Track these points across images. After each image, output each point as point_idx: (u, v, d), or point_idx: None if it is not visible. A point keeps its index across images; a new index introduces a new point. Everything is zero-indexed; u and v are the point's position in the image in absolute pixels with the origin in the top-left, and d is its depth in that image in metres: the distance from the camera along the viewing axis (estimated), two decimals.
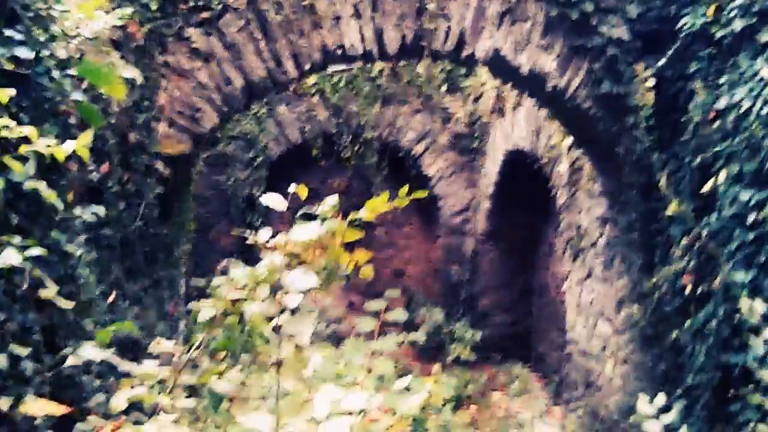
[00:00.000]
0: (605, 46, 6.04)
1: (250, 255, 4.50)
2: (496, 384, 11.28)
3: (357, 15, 6.04)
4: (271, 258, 3.01)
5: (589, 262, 7.80)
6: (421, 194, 4.05)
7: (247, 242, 2.88)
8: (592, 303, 7.67)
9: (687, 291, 5.25)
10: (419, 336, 10.80)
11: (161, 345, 2.92)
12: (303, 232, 2.81)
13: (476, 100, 11.91)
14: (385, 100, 11.87)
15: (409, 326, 12.54)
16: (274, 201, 2.94)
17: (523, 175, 10.30)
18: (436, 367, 9.87)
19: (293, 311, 2.95)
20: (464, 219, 12.36)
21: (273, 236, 3.32)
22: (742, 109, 4.82)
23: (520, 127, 10.07)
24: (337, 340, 12.30)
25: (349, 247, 3.47)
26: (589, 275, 7.80)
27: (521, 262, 11.93)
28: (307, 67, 6.07)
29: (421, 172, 12.23)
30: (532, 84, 6.42)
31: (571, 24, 6.09)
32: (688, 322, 5.21)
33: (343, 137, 11.79)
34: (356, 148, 11.97)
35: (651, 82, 5.77)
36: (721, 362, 4.80)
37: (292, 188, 3.90)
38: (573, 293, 8.26)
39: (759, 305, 3.65)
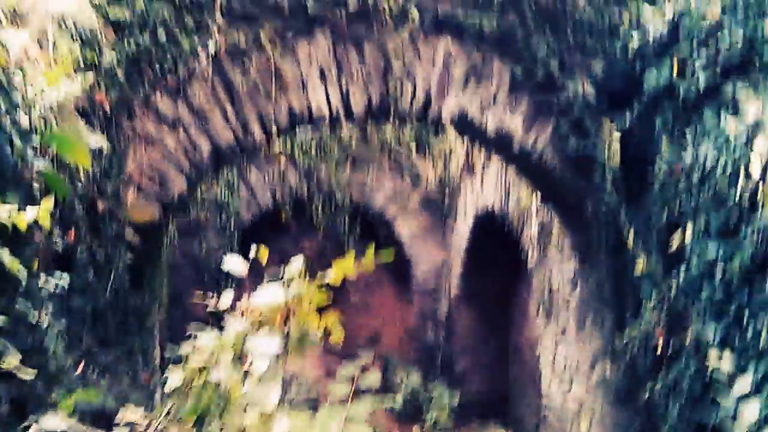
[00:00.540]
0: (571, 104, 6.13)
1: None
2: None
3: (323, 77, 6.09)
4: (234, 323, 2.95)
5: (562, 321, 7.76)
6: (388, 256, 4.01)
7: (209, 309, 2.82)
8: (566, 363, 7.61)
9: (658, 348, 5.23)
10: (395, 400, 10.69)
11: (128, 414, 2.83)
12: (264, 296, 2.76)
13: (446, 161, 12.01)
14: (355, 162, 11.93)
15: (386, 390, 12.38)
16: (234, 265, 2.90)
17: (495, 235, 10.31)
18: (415, 429, 9.74)
19: (260, 376, 2.87)
20: (437, 280, 12.33)
21: (235, 301, 3.25)
22: (708, 164, 4.88)
23: (489, 187, 10.13)
24: (314, 406, 12.06)
25: (322, 310, 3.41)
26: (562, 334, 7.75)
27: (497, 323, 11.87)
28: (273, 130, 6.08)
29: (393, 234, 12.22)
30: (498, 143, 6.47)
31: (537, 83, 6.18)
32: (660, 380, 5.17)
33: (315, 200, 11.78)
34: (327, 211, 11.96)
35: (617, 139, 5.84)
36: (693, 420, 4.75)
37: (253, 251, 3.83)
38: (547, 354, 8.19)
39: (727, 359, 3.63)
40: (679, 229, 5.07)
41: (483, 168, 10.48)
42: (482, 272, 11.46)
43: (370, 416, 10.56)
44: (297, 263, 3.99)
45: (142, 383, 5.86)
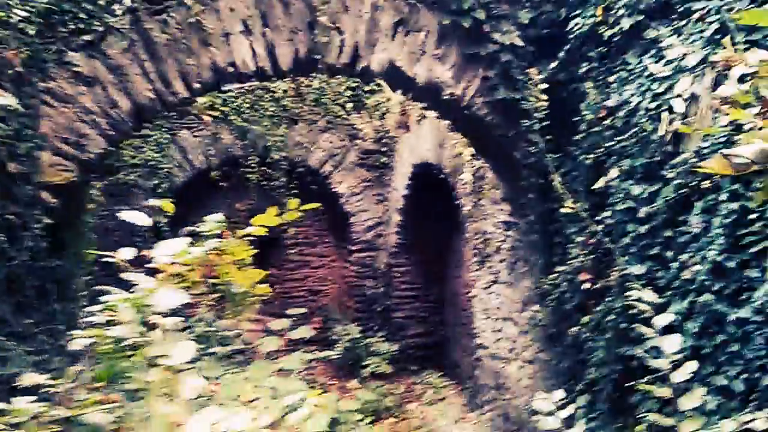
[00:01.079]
0: (499, 53, 5.98)
1: None
2: (413, 395, 11.13)
3: (247, 31, 5.82)
4: (144, 280, 2.75)
5: (494, 267, 7.74)
6: (314, 205, 3.85)
7: (111, 261, 2.62)
8: (498, 307, 7.60)
9: (585, 287, 5.20)
10: (329, 353, 10.63)
11: (28, 378, 2.63)
12: (167, 249, 2.57)
13: (382, 116, 11.82)
14: (291, 120, 11.65)
15: (327, 344, 12.31)
16: (135, 217, 2.69)
17: (431, 187, 10.24)
18: (353, 382, 9.68)
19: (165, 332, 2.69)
20: (376, 234, 12.22)
21: (138, 255, 3.04)
22: (631, 105, 4.81)
23: (425, 140, 10.01)
24: (248, 362, 11.93)
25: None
26: (495, 280, 7.73)
27: (434, 273, 11.86)
28: (197, 86, 5.79)
29: (331, 191, 12.03)
30: (429, 94, 6.31)
31: (465, 32, 6.02)
32: (586, 318, 5.15)
33: (250, 160, 11.48)
34: (263, 171, 11.68)
35: (544, 86, 5.74)
36: (619, 355, 4.74)
37: (153, 203, 3.59)
38: (481, 299, 8.18)
39: (648, 294, 3.59)
40: (605, 172, 5.02)
41: (418, 122, 10.34)
42: (420, 224, 11.39)
43: (309, 370, 10.42)
44: (216, 216, 3.80)
45: (65, 348, 5.61)
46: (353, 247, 12.24)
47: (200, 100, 11.07)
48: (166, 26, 5.64)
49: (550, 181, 5.70)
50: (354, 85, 11.82)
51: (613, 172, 4.89)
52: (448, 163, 9.08)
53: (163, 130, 10.85)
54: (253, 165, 11.50)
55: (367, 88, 11.89)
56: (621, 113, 4.94)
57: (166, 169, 10.91)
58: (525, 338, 6.83)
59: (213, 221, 3.89)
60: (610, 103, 5.05)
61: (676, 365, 3.11)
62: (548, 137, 5.75)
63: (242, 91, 11.35)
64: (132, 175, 10.72)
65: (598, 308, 4.97)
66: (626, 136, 4.84)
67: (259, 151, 11.51)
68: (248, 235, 3.73)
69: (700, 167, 2.63)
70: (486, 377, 8.12)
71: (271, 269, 12.82)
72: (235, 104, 11.34)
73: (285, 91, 11.55)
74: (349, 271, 12.48)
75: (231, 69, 5.87)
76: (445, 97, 6.17)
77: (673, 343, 3.15)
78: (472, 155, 8.25)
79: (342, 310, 12.67)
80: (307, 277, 12.90)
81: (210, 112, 11.20)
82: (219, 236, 3.89)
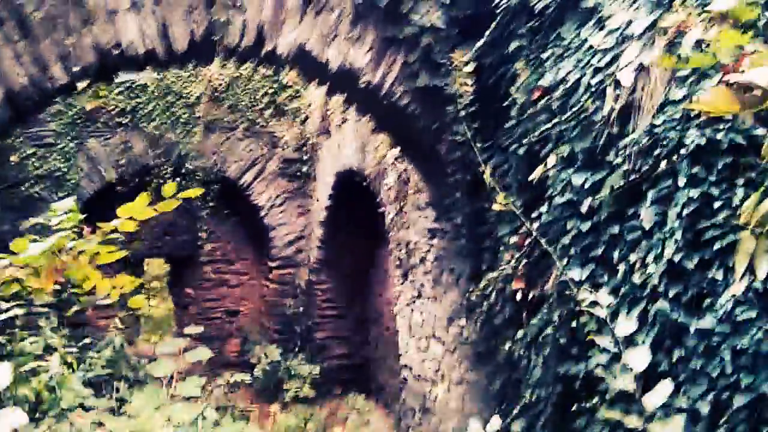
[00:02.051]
0: (419, 36, 5.17)
1: None
2: (337, 419, 10.20)
3: (135, 7, 4.88)
4: None
5: (418, 280, 6.90)
6: (193, 192, 2.97)
7: None
8: (423, 323, 6.75)
9: (518, 297, 4.39)
10: (244, 376, 9.63)
11: None
12: None
13: (303, 122, 10.93)
14: (207, 127, 10.64)
15: (246, 366, 11.25)
16: None
17: (355, 196, 9.39)
18: (274, 407, 8.60)
19: None
20: (297, 249, 11.26)
21: None
22: (569, 84, 4.05)
23: (347, 145, 9.17)
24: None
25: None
26: (419, 294, 6.88)
27: (357, 290, 10.96)
28: (77, 70, 4.81)
29: (251, 202, 11.05)
30: (344, 82, 5.46)
31: (382, 13, 5.20)
32: (520, 332, 4.33)
33: (164, 170, 10.40)
34: (179, 181, 10.61)
35: (469, 69, 4.95)
36: (560, 373, 3.93)
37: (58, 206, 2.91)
38: (404, 315, 7.32)
39: (604, 296, 2.79)
40: (541, 161, 4.23)
41: (340, 126, 9.49)
42: (343, 237, 10.51)
43: (227, 395, 9.31)
44: (66, 203, 2.91)
45: None
46: (273, 264, 11.25)
47: (110, 104, 10.02)
48: (41, 2, 4.66)
49: (479, 176, 4.90)
50: (272, 90, 10.89)
51: (551, 160, 4.12)
52: (372, 169, 8.25)
53: (69, 138, 9.72)
54: (167, 175, 10.42)
55: (286, 94, 10.98)
56: (557, 93, 4.18)
57: (73, 181, 9.74)
58: (452, 357, 5.99)
59: (63, 210, 2.98)
60: (544, 82, 4.28)
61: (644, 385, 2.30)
62: (475, 126, 4.96)
63: (154, 96, 10.30)
64: (36, 187, 9.53)
65: (533, 320, 4.15)
66: (564, 118, 4.08)
67: (173, 161, 10.44)
68: (114, 230, 2.83)
69: (693, 105, 1.86)
70: (412, 400, 7.23)
71: (187, 289, 11.71)
72: (146, 110, 10.27)
73: (199, 97, 10.54)
74: (269, 290, 11.48)
75: (116, 51, 4.92)
76: (361, 86, 5.34)
77: (640, 358, 2.33)
78: (397, 158, 7.43)
79: (261, 330, 11.63)
80: (225, 296, 11.78)
81: (119, 119, 10.11)
82: (78, 233, 2.96)
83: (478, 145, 4.84)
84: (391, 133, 6.23)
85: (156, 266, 13.38)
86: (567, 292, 3.78)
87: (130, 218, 2.62)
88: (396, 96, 5.34)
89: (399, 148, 6.59)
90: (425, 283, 6.65)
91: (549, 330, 3.91)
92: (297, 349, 10.97)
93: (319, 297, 10.90)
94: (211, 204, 10.97)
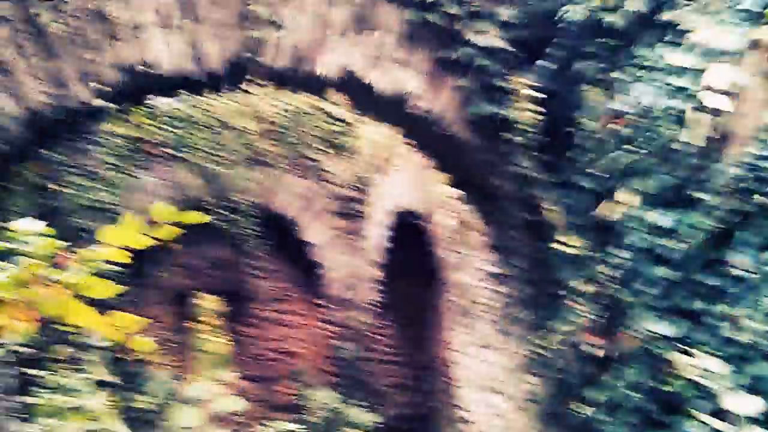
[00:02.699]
0: (475, 57, 4.72)
1: None
2: None
3: (163, 22, 4.58)
4: None
5: (479, 327, 6.37)
6: (194, 218, 2.55)
7: None
8: (486, 378, 6.20)
9: (593, 352, 3.83)
10: (293, 426, 9.19)
11: None
12: None
13: (357, 158, 10.56)
14: (258, 161, 10.38)
15: (299, 411, 10.81)
16: None
17: (410, 236, 8.93)
18: None
19: None
20: (353, 289, 10.82)
21: None
22: (646, 107, 3.53)
23: (402, 183, 8.75)
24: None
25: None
26: (480, 345, 6.35)
27: (419, 335, 10.44)
28: (101, 89, 4.52)
29: (301, 239, 10.70)
30: (391, 107, 5.03)
31: (435, 33, 4.78)
32: (597, 394, 3.77)
33: (212, 205, 10.16)
34: (229, 216, 10.35)
35: (531, 93, 4.47)
36: None
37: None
38: (465, 366, 6.78)
39: (716, 365, 2.25)
40: (613, 195, 3.70)
41: (395, 163, 9.09)
42: (402, 279, 10.03)
43: None
44: (33, 225, 2.53)
45: None
46: (327, 305, 10.83)
47: (158, 135, 9.86)
48: (59, 14, 4.39)
49: (542, 215, 4.39)
50: (326, 123, 10.58)
51: (625, 196, 3.58)
52: (428, 208, 7.79)
53: (116, 169, 9.57)
54: (217, 210, 10.18)
55: (340, 128, 10.65)
56: (632, 118, 3.65)
57: (121, 214, 9.59)
58: (519, 416, 5.42)
59: (30, 233, 2.60)
60: (616, 105, 3.77)
61: None
62: (538, 158, 4.46)
63: (199, 127, 10.10)
64: (81, 219, 9.40)
65: (613, 381, 3.59)
66: (641, 147, 3.55)
67: (222, 195, 10.20)
68: (96, 259, 2.43)
69: None
70: None
71: (241, 327, 11.39)
72: (191, 140, 10.07)
73: (253, 132, 10.31)
74: (326, 331, 11.05)
75: (143, 68, 4.61)
76: (411, 112, 4.90)
77: None
78: (453, 196, 6.95)
79: (318, 373, 11.19)
80: (281, 337, 11.41)
81: (168, 150, 9.94)
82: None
83: (541, 178, 4.33)
84: (446, 167, 5.76)
85: (209, 302, 13.14)
86: (656, 351, 3.23)
87: (125, 248, 2.21)
88: (449, 124, 4.89)
89: (455, 185, 6.12)
90: (486, 331, 6.12)
91: (633, 394, 3.34)
92: (354, 396, 10.47)
93: (378, 341, 10.41)
94: (260, 240, 10.66)
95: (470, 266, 6.53)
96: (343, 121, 10.56)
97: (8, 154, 4.57)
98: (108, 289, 2.35)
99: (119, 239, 2.25)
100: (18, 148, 4.61)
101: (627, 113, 3.67)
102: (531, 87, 4.52)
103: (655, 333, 3.27)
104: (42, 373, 5.90)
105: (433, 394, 10.26)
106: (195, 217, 2.44)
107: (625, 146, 3.66)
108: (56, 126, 4.72)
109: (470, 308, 6.54)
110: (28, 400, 4.80)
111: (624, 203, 3.53)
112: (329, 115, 10.56)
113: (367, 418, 10.06)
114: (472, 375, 6.55)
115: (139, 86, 4.76)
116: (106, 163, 9.54)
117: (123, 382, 8.84)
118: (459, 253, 6.81)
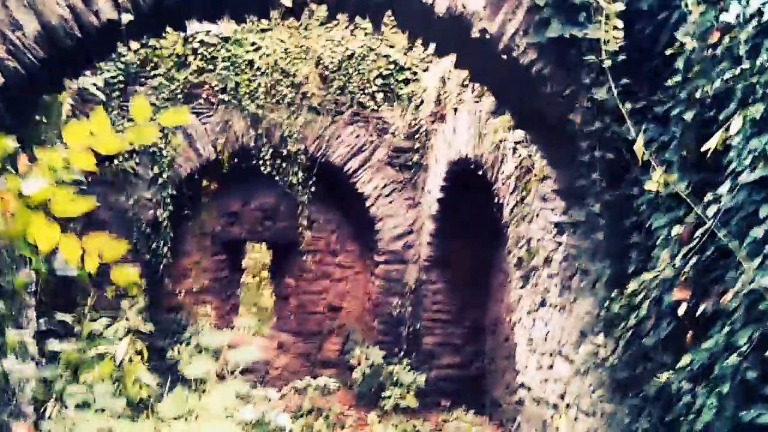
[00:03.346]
0: None
1: None
2: None
3: None
4: None
5: (542, 284, 5.83)
6: (177, 117, 2.06)
7: None
8: (547, 337, 5.68)
9: (682, 310, 3.28)
10: (326, 380, 8.85)
11: None
12: None
13: (417, 108, 10.01)
14: (312, 109, 9.92)
15: (345, 368, 10.48)
16: None
17: (471, 187, 8.40)
18: (372, 415, 7.72)
19: None
20: (406, 244, 10.35)
21: None
22: (765, 17, 2.92)
23: (462, 131, 8.19)
24: (263, 383, 10.22)
25: None
26: (543, 302, 5.81)
27: (472, 293, 9.92)
28: (130, 5, 4.07)
29: (356, 191, 10.25)
30: (453, 33, 4.46)
31: None
32: (685, 359, 3.22)
33: (264, 152, 9.77)
34: (279, 164, 9.95)
35: (619, 8, 3.86)
36: (743, 421, 2.81)
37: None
38: (524, 326, 6.26)
39: None
40: (718, 127, 3.11)
41: (455, 109, 8.52)
42: (457, 233, 9.50)
43: (325, 396, 8.46)
44: None
45: None
46: (379, 258, 10.41)
47: (213, 80, 9.47)
48: None
49: (624, 153, 3.81)
50: (387, 72, 10.04)
51: (735, 125, 2.98)
52: (488, 155, 7.23)
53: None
54: (267, 157, 9.79)
55: (401, 77, 10.10)
56: (746, 33, 3.04)
57: (168, 158, 9.28)
58: (583, 381, 4.90)
59: None
60: (727, 17, 3.15)
61: None
62: (623, 86, 3.87)
63: (259, 73, 9.68)
64: (130, 162, 9.14)
65: (705, 344, 3.03)
66: (756, 66, 2.94)
67: (274, 143, 9.80)
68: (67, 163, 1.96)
69: None
70: (529, 426, 6.17)
71: (288, 279, 11.05)
72: (249, 88, 9.67)
73: (306, 77, 9.84)
74: (375, 287, 10.64)
75: None
76: (475, 36, 4.34)
77: None
78: (517, 141, 6.39)
79: (365, 330, 10.81)
80: (327, 290, 11.02)
81: (221, 96, 9.57)
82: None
83: (627, 107, 3.75)
84: (512, 105, 5.18)
85: (258, 252, 12.85)
86: (761, 308, 2.67)
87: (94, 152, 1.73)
88: (518, 51, 4.30)
89: (520, 129, 5.56)
90: (551, 288, 5.58)
91: (731, 360, 2.79)
92: (402, 354, 10.08)
93: (429, 298, 9.95)
94: (313, 190, 10.24)
95: (534, 216, 5.98)
96: (401, 66, 10.03)
97: (27, 79, 4.14)
98: (77, 204, 1.85)
99: (85, 139, 1.76)
100: (36, 71, 4.17)
101: (740, 26, 3.05)
102: (618, 3, 3.91)
103: (763, 286, 2.70)
104: (68, 317, 5.62)
105: (488, 355, 9.79)
106: (178, 117, 1.91)
107: (735, 67, 3.06)
108: (77, 45, 4.24)
109: (532, 263, 6.01)
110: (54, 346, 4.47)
111: (732, 132, 2.94)
112: (387, 59, 10.03)
113: (412, 377, 9.66)
114: (533, 336, 6.04)
115: (168, 5, 4.28)
116: (160, 107, 9.21)
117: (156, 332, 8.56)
118: (521, 202, 6.26)
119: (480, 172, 7.66)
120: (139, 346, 6.13)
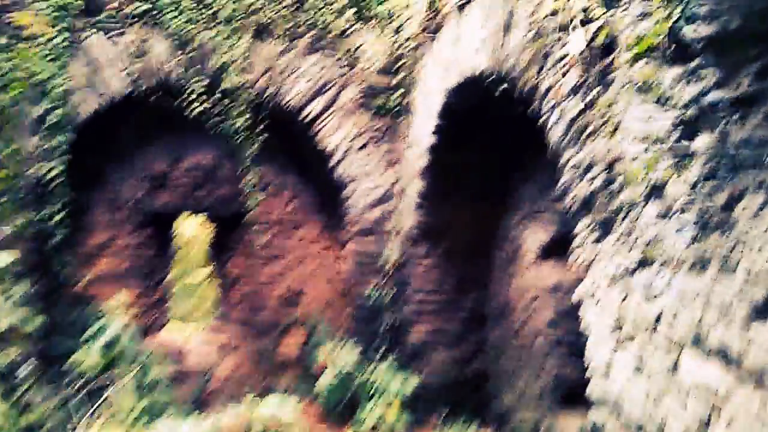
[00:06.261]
0: None
1: None
2: None
3: None
4: None
5: (638, 233, 3.42)
6: None
7: None
8: (660, 319, 3.25)
9: None
10: (280, 400, 6.32)
11: None
12: None
13: (398, 29, 7.57)
14: (259, 32, 7.41)
15: (308, 373, 8.03)
16: None
17: (480, 117, 6.02)
18: None
19: None
20: (384, 213, 7.93)
21: None
22: None
23: (473, 33, 5.75)
24: (201, 402, 7.69)
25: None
26: (643, 262, 3.40)
27: (473, 272, 7.56)
28: None
29: (319, 144, 7.78)
30: None
31: None
32: None
33: (193, 86, 7.22)
34: (214, 105, 7.40)
35: None
36: None
37: None
38: (600, 301, 3.83)
39: None
40: None
41: (460, 9, 6.08)
42: (454, 193, 7.13)
43: (292, 412, 5.92)
44: None
45: None
46: (350, 232, 7.95)
47: None
48: None
49: None
50: None
51: None
52: (524, 51, 4.80)
53: (60, 29, 6.62)
54: (198, 95, 7.24)
55: None
56: None
57: (63, 90, 6.65)
58: (756, 394, 2.49)
59: None
60: None
61: None
62: None
63: None
64: (7, 94, 6.48)
65: None
66: None
67: (208, 75, 7.26)
68: None
69: None
70: None
71: (234, 259, 8.51)
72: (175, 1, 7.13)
73: None
74: (345, 268, 8.19)
75: None
76: None
77: None
78: (585, 8, 3.96)
79: (333, 322, 8.33)
80: (284, 272, 8.50)
81: (133, 10, 7.00)
82: None
83: None
84: None
85: (192, 226, 10.24)
86: None
87: None
88: None
89: None
90: (666, 236, 3.17)
91: None
92: (382, 351, 7.65)
93: (416, 279, 7.55)
94: (262, 145, 7.73)
95: (620, 122, 3.56)
96: None
97: None
98: None
99: None
100: None
101: None
102: None
103: None
104: None
105: (493, 352, 7.42)
106: None
107: None
108: None
109: (620, 199, 3.60)
110: None
111: None
112: None
113: (397, 382, 7.25)
114: (617, 317, 3.63)
115: None
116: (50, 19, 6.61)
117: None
118: (590, 106, 3.84)
119: (497, 88, 5.23)
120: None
